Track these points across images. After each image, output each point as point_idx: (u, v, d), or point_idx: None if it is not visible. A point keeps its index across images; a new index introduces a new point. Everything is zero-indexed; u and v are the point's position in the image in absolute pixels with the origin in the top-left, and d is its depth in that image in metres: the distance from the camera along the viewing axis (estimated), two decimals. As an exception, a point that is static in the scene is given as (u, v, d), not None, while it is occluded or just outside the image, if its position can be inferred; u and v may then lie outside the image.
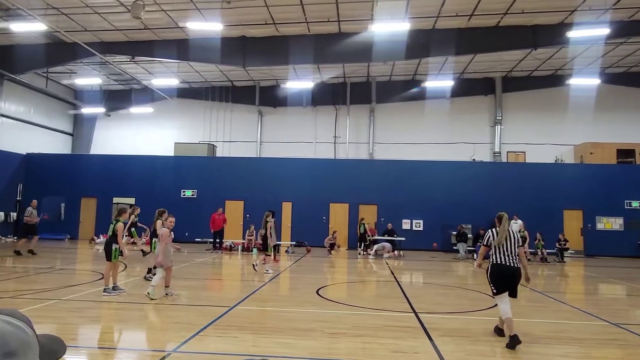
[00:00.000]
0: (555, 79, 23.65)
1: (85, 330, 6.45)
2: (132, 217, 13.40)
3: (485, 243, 6.36)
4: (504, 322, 6.02)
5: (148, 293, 8.26)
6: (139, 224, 15.21)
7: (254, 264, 12.62)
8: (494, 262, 6.14)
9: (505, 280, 6.03)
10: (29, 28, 17.13)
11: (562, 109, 23.65)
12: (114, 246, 8.70)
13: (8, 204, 22.24)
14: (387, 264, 15.78)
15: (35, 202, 16.11)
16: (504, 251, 6.08)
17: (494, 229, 6.30)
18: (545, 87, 23.89)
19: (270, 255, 12.63)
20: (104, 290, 8.52)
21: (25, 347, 0.86)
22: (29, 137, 23.79)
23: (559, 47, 19.40)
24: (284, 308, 8.00)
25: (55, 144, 25.79)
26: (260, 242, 12.62)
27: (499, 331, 6.27)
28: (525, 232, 17.62)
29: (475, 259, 17.87)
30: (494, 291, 6.12)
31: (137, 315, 7.20)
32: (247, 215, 21.62)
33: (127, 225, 14.23)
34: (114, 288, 8.68)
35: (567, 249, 18.28)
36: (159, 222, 10.28)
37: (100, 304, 7.86)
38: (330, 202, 21.64)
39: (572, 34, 16.81)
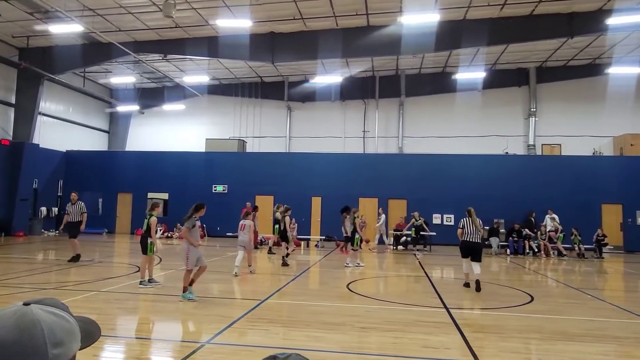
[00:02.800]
0: (593, 68, 22.75)
1: (123, 320, 6.69)
2: (278, 213, 14.17)
3: (460, 227, 9.73)
4: (468, 275, 9.75)
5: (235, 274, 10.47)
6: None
7: (346, 263, 12.94)
8: (464, 239, 9.62)
9: (468, 250, 9.60)
10: (66, 29, 17.74)
11: (600, 100, 22.76)
12: (149, 240, 8.93)
13: (50, 199, 23.20)
14: (417, 258, 15.64)
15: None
16: (470, 232, 9.55)
17: (465, 218, 9.68)
18: (583, 77, 23.03)
19: (360, 249, 13.46)
20: (140, 283, 8.81)
21: (70, 335, 0.89)
22: (68, 135, 24.70)
23: (597, 35, 18.65)
24: (314, 302, 8.06)
25: (93, 141, 26.69)
26: (348, 235, 13.58)
27: (467, 285, 9.70)
28: (556, 221, 17.65)
29: (508, 254, 17.62)
30: (461, 255, 9.86)
31: (171, 307, 7.41)
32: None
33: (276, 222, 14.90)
34: (150, 281, 8.95)
35: (605, 245, 17.66)
36: (287, 219, 12.87)
37: (136, 296, 8.12)
38: (360, 197, 21.58)
39: (612, 20, 16.14)
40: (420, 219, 18.43)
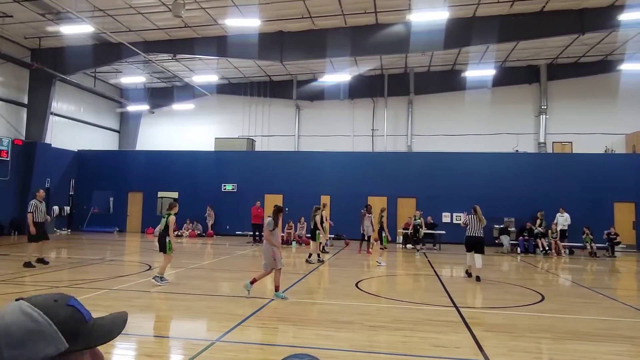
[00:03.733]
0: (604, 65, 22.48)
1: (134, 318, 6.74)
2: (324, 213, 14.40)
3: (465, 222, 11.07)
4: (470, 267, 10.99)
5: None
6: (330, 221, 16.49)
7: (378, 261, 13.18)
8: (467, 234, 10.92)
9: (471, 244, 10.80)
10: (77, 30, 17.91)
11: (613, 97, 22.47)
12: (167, 239, 9.06)
13: (62, 198, 23.46)
14: (427, 257, 15.59)
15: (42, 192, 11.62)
16: (473, 228, 10.82)
17: (471, 215, 10.94)
18: (594, 74, 22.75)
19: (385, 248, 13.85)
20: (153, 278, 8.97)
21: (33, 336, 0.84)
22: (79, 135, 24.96)
23: (609, 31, 18.41)
24: (323, 300, 8.08)
25: (104, 141, 26.94)
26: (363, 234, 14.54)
27: (468, 274, 11.01)
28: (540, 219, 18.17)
29: (519, 253, 17.51)
30: (466, 250, 10.97)
31: (182, 305, 7.47)
32: (286, 209, 21.81)
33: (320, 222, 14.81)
34: (161, 278, 9.02)
35: (618, 243, 17.46)
36: (317, 217, 13.41)
37: (148, 294, 8.20)
38: (369, 195, 21.54)
39: (624, 16, 15.92)
40: (420, 219, 17.93)
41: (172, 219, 9.11)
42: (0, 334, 0.83)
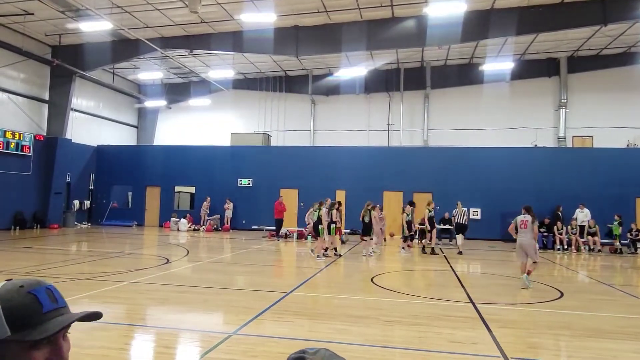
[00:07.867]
0: (627, 57, 21.90)
1: (152, 310, 6.87)
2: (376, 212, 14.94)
3: (452, 215, 15.89)
4: (458, 247, 15.31)
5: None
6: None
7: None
8: (456, 221, 15.79)
9: (459, 228, 15.64)
10: (96, 27, 18.14)
11: (635, 90, 21.90)
12: (320, 227, 12.82)
13: (82, 192, 23.92)
14: (443, 252, 15.48)
15: None
16: (459, 217, 15.66)
17: (456, 209, 15.70)
18: (616, 67, 22.19)
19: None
20: (317, 257, 12.50)
21: None
22: (99, 130, 25.37)
23: (632, 22, 17.91)
24: (338, 295, 8.09)
25: (122, 136, 27.34)
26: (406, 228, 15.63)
27: (460, 252, 14.89)
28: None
29: (537, 249, 17.27)
30: (455, 233, 15.72)
31: (199, 298, 7.56)
32: (302, 204, 21.90)
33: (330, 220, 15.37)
34: (324, 254, 12.68)
35: (640, 240, 17.07)
36: (334, 212, 14.38)
37: (166, 287, 8.32)
38: (384, 190, 21.47)
39: (648, 7, 15.49)
40: (410, 214, 16.17)
41: (323, 211, 12.81)
42: None
